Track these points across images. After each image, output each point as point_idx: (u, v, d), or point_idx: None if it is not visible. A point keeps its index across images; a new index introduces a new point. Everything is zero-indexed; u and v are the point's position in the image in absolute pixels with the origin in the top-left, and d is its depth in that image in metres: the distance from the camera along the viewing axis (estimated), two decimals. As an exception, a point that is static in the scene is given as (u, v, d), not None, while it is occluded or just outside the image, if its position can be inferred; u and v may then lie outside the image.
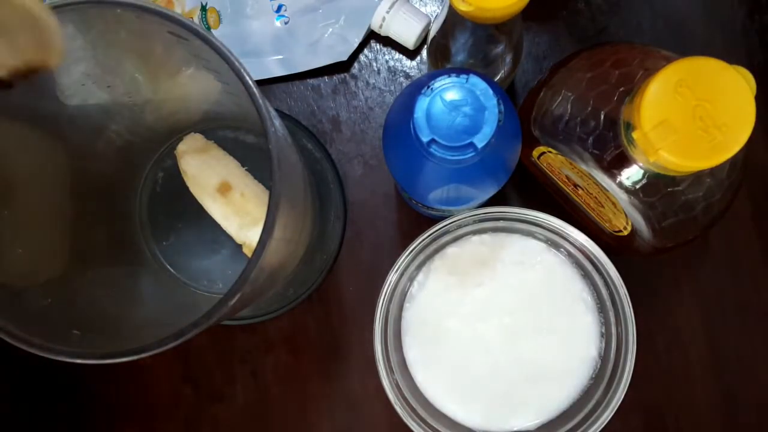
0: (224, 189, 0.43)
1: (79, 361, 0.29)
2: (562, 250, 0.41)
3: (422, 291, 0.42)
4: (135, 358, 0.29)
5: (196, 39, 0.29)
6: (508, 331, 0.41)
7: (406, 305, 0.42)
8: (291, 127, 0.48)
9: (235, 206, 0.43)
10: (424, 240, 0.39)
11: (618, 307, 0.39)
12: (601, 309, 0.41)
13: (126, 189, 0.46)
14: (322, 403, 0.47)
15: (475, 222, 0.40)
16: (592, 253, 0.39)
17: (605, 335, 0.41)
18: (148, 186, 0.47)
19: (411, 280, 0.42)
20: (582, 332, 0.41)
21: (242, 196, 0.43)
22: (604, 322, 0.41)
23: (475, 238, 0.42)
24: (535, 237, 0.42)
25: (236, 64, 0.28)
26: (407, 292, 0.42)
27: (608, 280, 0.39)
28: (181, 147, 0.43)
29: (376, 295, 0.39)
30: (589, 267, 0.40)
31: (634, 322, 0.38)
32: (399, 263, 0.39)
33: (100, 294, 0.39)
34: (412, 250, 0.39)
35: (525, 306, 0.41)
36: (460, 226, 0.40)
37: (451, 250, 0.42)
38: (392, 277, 0.39)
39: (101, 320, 0.36)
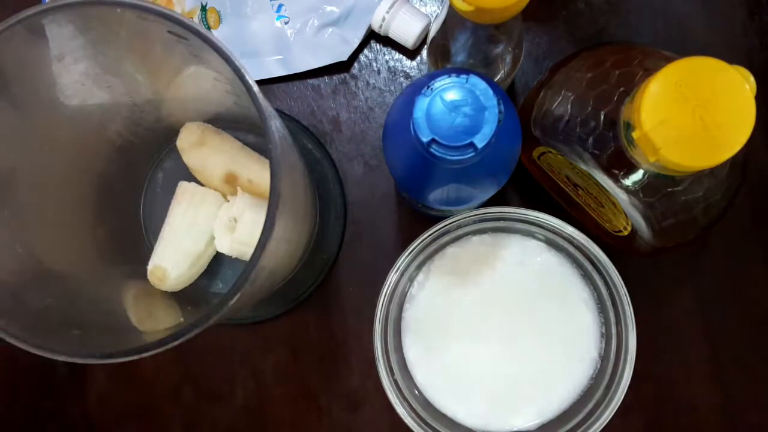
0: (230, 180, 0.43)
1: (79, 360, 0.29)
2: (562, 250, 0.41)
3: (422, 291, 0.42)
4: (135, 357, 0.29)
5: (196, 39, 0.29)
6: (508, 331, 0.41)
7: (406, 305, 0.42)
8: (291, 127, 0.48)
9: (247, 192, 0.43)
10: (424, 240, 0.39)
11: (618, 307, 0.39)
12: (601, 309, 0.41)
13: (127, 189, 0.46)
14: (322, 403, 0.47)
15: (475, 222, 0.40)
16: (592, 253, 0.39)
17: (605, 335, 0.41)
18: (149, 186, 0.47)
19: (411, 280, 0.42)
20: (582, 332, 0.41)
21: (250, 182, 0.43)
22: (604, 322, 0.41)
23: (475, 238, 0.42)
24: (534, 237, 0.42)
25: (236, 63, 0.28)
26: (407, 292, 0.42)
27: (608, 280, 0.39)
28: (179, 143, 0.43)
29: (376, 295, 0.39)
30: (589, 267, 0.40)
31: (634, 322, 0.38)
32: (399, 263, 0.39)
33: (101, 294, 0.39)
34: (412, 250, 0.39)
35: (525, 306, 0.41)
36: (460, 226, 0.40)
37: (451, 250, 0.42)
38: (392, 277, 0.39)
39: (102, 320, 0.36)
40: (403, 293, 0.42)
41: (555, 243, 0.41)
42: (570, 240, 0.39)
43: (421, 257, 0.41)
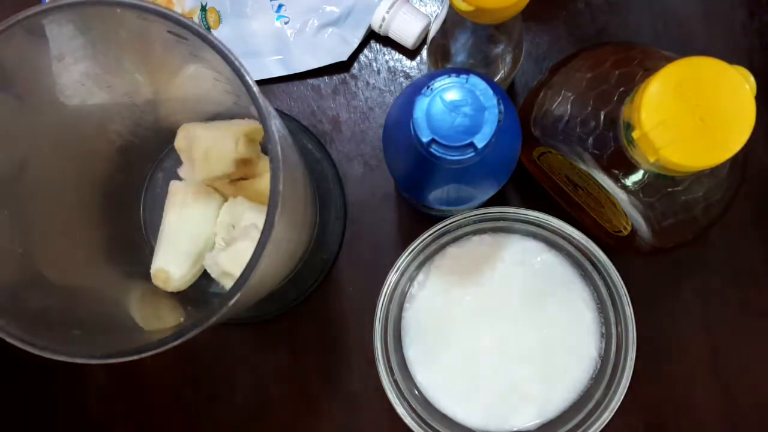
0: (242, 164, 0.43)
1: (79, 360, 0.29)
2: (562, 250, 0.41)
3: (422, 291, 0.42)
4: (135, 357, 0.29)
5: (196, 39, 0.29)
6: (508, 331, 0.41)
7: (406, 305, 0.42)
8: (291, 127, 0.48)
9: (247, 191, 0.43)
10: (424, 240, 0.39)
11: (618, 307, 0.39)
12: (601, 309, 0.41)
13: (127, 189, 0.46)
14: (322, 403, 0.47)
15: (475, 222, 0.40)
16: (592, 253, 0.39)
17: (605, 335, 0.41)
18: (149, 186, 0.47)
19: (411, 280, 0.42)
20: (582, 332, 0.41)
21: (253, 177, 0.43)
22: (604, 322, 0.41)
23: (475, 238, 0.42)
24: (535, 237, 0.42)
25: (236, 63, 0.28)
26: (407, 292, 0.42)
27: (608, 280, 0.39)
28: (177, 144, 0.43)
29: (376, 295, 0.39)
30: (589, 267, 0.40)
31: (634, 322, 0.38)
32: (399, 263, 0.39)
33: (101, 294, 0.39)
34: (412, 250, 0.39)
35: (525, 306, 0.41)
36: (460, 226, 0.40)
37: (451, 250, 0.42)
38: (392, 277, 0.39)
39: (102, 320, 0.35)
40: (403, 293, 0.42)
41: (555, 243, 0.41)
42: (570, 240, 0.39)
43: (421, 257, 0.41)
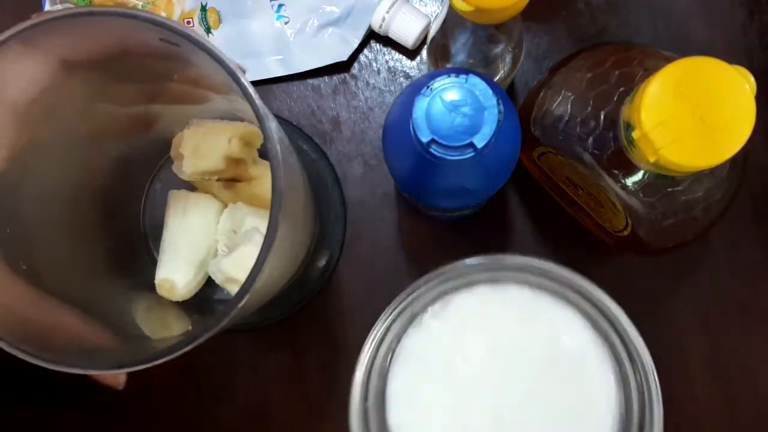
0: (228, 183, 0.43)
1: (92, 372, 0.29)
2: (576, 306, 0.36)
3: (435, 321, 0.36)
4: (149, 365, 0.29)
5: (190, 44, 0.28)
6: (507, 399, 0.35)
7: (411, 330, 0.37)
8: (285, 129, 0.48)
9: (243, 195, 0.43)
10: (423, 284, 0.35)
11: (642, 381, 0.34)
12: (622, 380, 0.36)
13: (126, 201, 0.46)
14: (322, 404, 0.47)
15: (479, 272, 0.36)
16: (614, 315, 0.34)
17: (625, 403, 0.36)
18: (149, 197, 0.47)
19: (425, 307, 0.37)
20: (598, 401, 0.36)
21: (250, 180, 0.43)
22: (624, 391, 0.36)
23: (515, 288, 0.36)
24: (573, 306, 0.36)
25: (229, 66, 0.28)
26: (417, 317, 0.37)
27: (630, 347, 0.34)
28: (173, 153, 0.43)
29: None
30: (607, 326, 0.35)
31: (660, 394, 0.34)
32: (388, 312, 0.35)
33: (108, 307, 0.38)
34: (407, 293, 0.35)
35: (539, 383, 0.35)
36: (499, 269, 0.36)
37: (482, 290, 0.36)
38: (380, 326, 0.35)
39: (111, 330, 0.35)
40: (412, 317, 0.37)
41: (596, 323, 0.35)
42: (590, 299, 0.34)
43: (443, 287, 0.36)
